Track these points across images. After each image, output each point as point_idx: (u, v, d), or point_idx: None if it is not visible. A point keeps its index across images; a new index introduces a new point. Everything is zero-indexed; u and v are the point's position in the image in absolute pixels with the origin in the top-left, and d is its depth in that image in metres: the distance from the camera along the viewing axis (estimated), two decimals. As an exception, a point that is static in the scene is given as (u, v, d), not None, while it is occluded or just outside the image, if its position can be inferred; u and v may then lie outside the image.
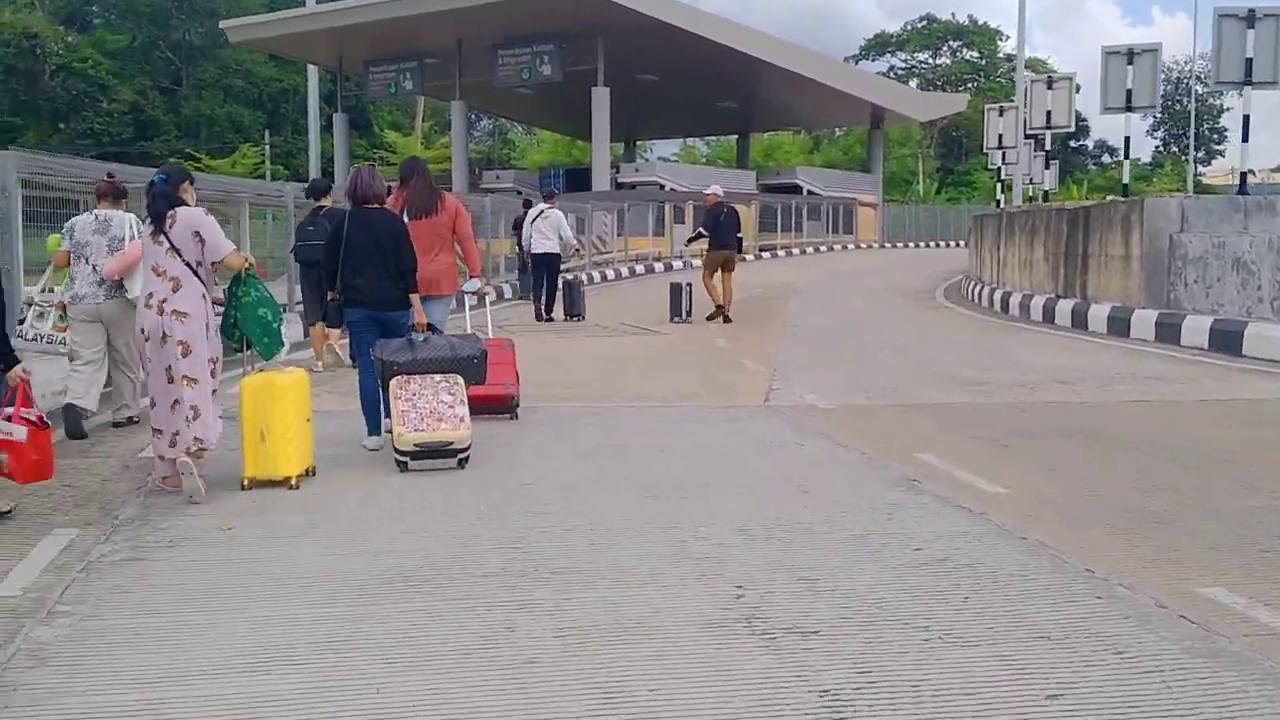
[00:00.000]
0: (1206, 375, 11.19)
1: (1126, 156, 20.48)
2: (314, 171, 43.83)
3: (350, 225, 7.21)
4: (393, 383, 6.88)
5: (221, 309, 6.45)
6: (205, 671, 3.61)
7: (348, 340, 9.76)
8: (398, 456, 6.73)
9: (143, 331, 6.19)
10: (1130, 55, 17.75)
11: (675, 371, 11.52)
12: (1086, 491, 6.22)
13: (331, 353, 11.35)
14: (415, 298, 7.27)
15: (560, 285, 18.13)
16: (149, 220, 6.29)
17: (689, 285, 17.41)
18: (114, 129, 56.84)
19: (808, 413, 8.90)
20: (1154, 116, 76.20)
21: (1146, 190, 53.32)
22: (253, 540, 5.21)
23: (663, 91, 46.15)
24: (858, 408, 9.23)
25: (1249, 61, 15.24)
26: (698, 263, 18.93)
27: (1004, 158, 26.67)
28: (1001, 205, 26.63)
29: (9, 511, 5.62)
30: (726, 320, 16.61)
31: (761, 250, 41.32)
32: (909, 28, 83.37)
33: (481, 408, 7.76)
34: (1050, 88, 21.47)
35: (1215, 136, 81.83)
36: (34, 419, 5.58)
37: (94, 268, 7.94)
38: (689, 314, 17.06)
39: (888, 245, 53.53)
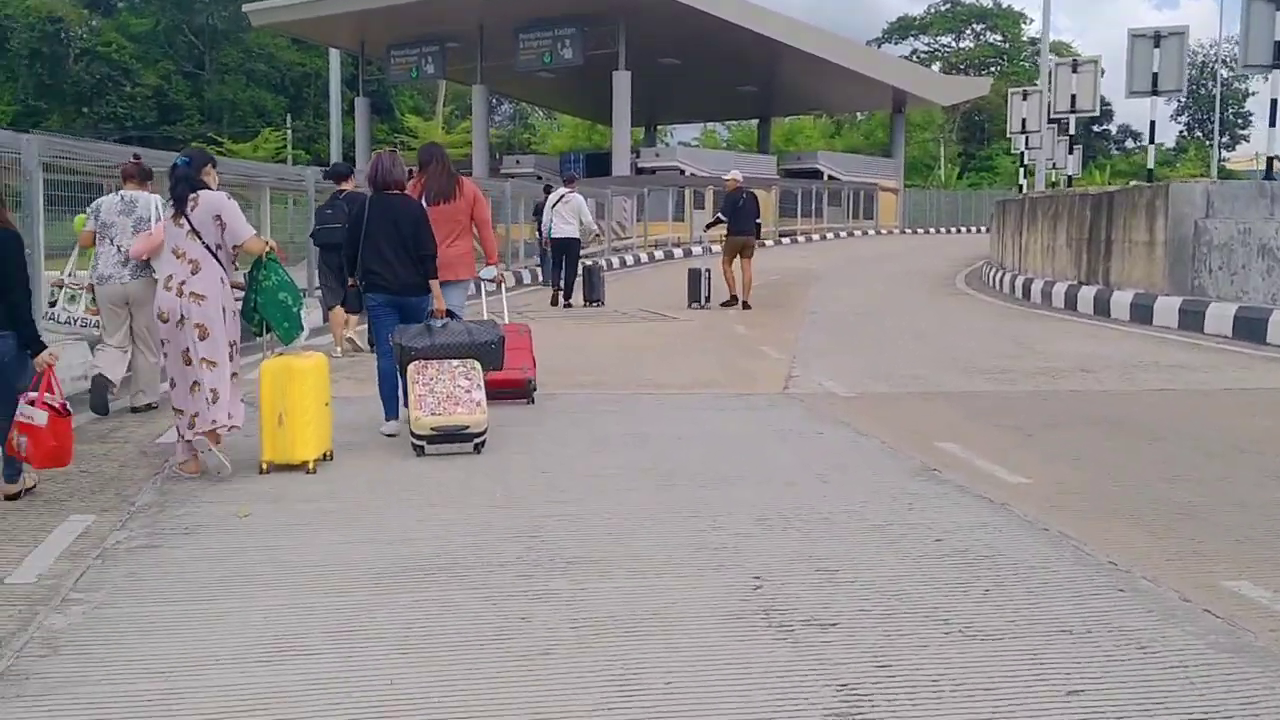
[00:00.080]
0: (1231, 364, 11.07)
1: (1152, 141, 20.25)
2: (335, 156, 43.87)
3: (371, 211, 7.23)
4: (410, 367, 6.90)
5: (242, 293, 6.46)
6: (218, 661, 3.59)
7: (365, 327, 9.75)
8: (414, 441, 6.74)
9: (160, 313, 6.20)
10: (1157, 38, 17.55)
11: (694, 358, 11.47)
12: (1110, 482, 6.15)
13: (350, 340, 11.34)
14: (435, 284, 7.27)
15: (580, 270, 18.09)
16: (171, 202, 6.31)
17: (708, 271, 17.34)
18: (137, 113, 57.07)
19: (827, 400, 8.84)
20: (1179, 101, 75.50)
21: (1170, 176, 52.77)
22: (268, 527, 5.20)
23: (684, 75, 45.95)
24: (878, 395, 9.17)
25: (1278, 45, 15.02)
26: (717, 248, 18.85)
27: (1027, 142, 26.45)
28: (1024, 190, 26.43)
29: (32, 488, 5.71)
30: (746, 306, 16.53)
31: (782, 235, 41.18)
32: (932, 11, 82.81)
33: (498, 392, 7.76)
34: (1075, 71, 21.23)
35: (1239, 122, 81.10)
36: (56, 405, 5.60)
37: (119, 248, 8.02)
38: (708, 300, 17.01)
39: (908, 231, 53.25)
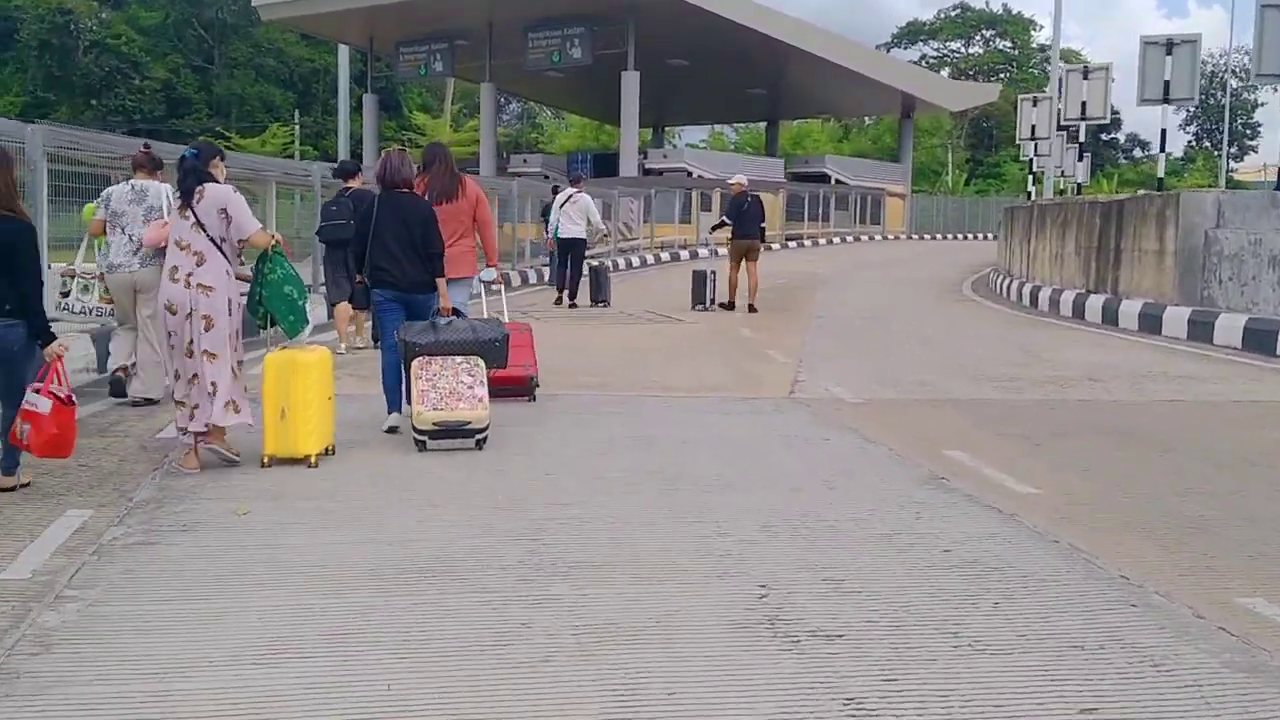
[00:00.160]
0: (1240, 375, 10.98)
1: (1163, 149, 20.16)
2: (343, 152, 43.90)
3: (380, 209, 7.27)
4: (414, 363, 6.90)
5: (247, 286, 6.44)
6: (213, 663, 3.52)
7: (371, 323, 9.72)
8: (416, 436, 6.74)
9: (170, 305, 6.16)
10: (1169, 46, 17.44)
11: (700, 361, 11.40)
12: (1120, 493, 6.07)
13: (355, 336, 11.30)
14: (441, 282, 7.29)
15: (585, 271, 18.01)
16: (178, 194, 6.28)
17: (713, 273, 17.30)
18: (146, 106, 57.08)
19: (834, 406, 8.76)
20: (1188, 111, 75.33)
21: (1178, 185, 52.67)
22: (267, 525, 5.13)
23: (692, 77, 45.93)
24: (885, 401, 9.09)
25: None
26: (724, 251, 18.79)
27: (1036, 149, 26.35)
28: (1032, 197, 26.33)
29: (27, 484, 5.65)
30: (752, 309, 16.48)
31: (788, 239, 41.09)
32: (942, 16, 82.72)
33: (500, 389, 7.74)
34: (1086, 78, 21.14)
35: (1248, 132, 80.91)
36: (61, 395, 5.55)
37: (130, 237, 8.03)
38: (713, 302, 16.96)
39: (915, 237, 53.12)
